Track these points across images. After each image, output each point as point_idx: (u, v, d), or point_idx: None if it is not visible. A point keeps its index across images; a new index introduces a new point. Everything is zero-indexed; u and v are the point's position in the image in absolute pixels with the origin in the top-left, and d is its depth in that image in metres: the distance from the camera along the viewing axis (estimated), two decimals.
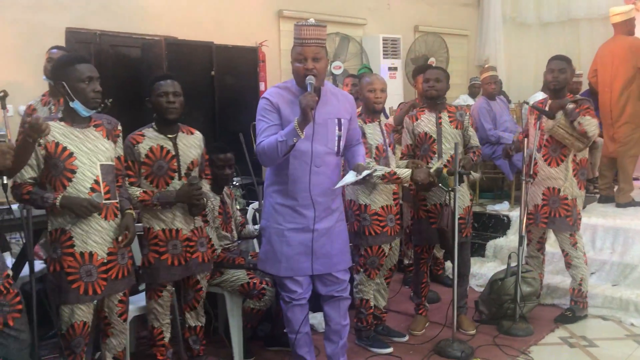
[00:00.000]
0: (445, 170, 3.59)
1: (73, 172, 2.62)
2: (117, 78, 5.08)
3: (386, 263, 3.82)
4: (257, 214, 4.27)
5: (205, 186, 3.31)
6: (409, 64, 7.63)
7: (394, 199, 3.73)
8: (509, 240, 5.38)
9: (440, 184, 3.62)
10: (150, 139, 3.07)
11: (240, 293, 3.54)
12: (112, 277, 2.75)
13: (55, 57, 3.92)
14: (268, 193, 3.09)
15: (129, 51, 5.39)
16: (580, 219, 4.13)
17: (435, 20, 8.44)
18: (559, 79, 4.00)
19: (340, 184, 3.01)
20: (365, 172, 2.95)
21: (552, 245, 4.67)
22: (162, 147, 3.07)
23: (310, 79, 2.80)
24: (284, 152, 2.79)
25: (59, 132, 2.63)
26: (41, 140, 2.58)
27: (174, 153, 3.09)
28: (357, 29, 7.52)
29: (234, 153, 3.79)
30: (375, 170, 3.12)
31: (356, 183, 3.12)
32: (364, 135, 3.53)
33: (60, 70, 2.66)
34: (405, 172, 3.49)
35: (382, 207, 3.63)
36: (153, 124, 3.14)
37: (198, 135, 3.26)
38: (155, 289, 3.15)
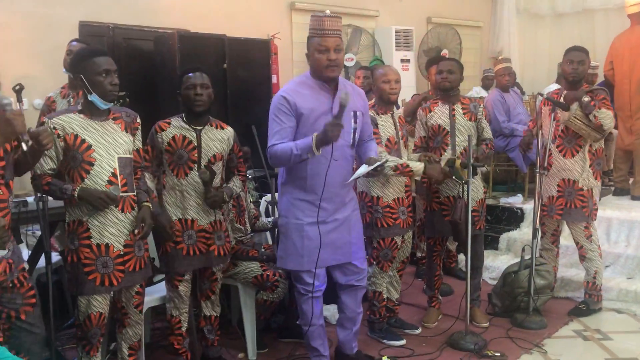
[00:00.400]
0: (458, 162, 3.57)
1: (91, 164, 2.64)
2: (130, 71, 5.09)
3: (399, 255, 3.82)
4: (270, 207, 4.28)
5: (235, 182, 3.32)
6: (421, 55, 7.58)
7: (406, 192, 3.72)
8: (523, 233, 5.35)
9: (453, 177, 3.61)
10: (175, 127, 3.11)
11: (253, 285, 3.55)
12: (129, 269, 2.77)
13: (75, 50, 3.94)
14: (285, 189, 3.09)
15: (141, 44, 5.40)
16: (596, 210, 4.10)
17: (448, 12, 8.37)
18: (578, 71, 3.96)
19: (353, 177, 3.02)
20: (376, 164, 2.96)
21: (566, 238, 4.64)
22: (184, 137, 3.10)
23: (344, 100, 2.73)
24: (296, 163, 2.86)
25: (78, 125, 2.65)
26: (60, 132, 2.61)
27: (195, 144, 3.11)
28: (370, 20, 7.48)
29: (247, 145, 3.81)
30: (387, 161, 3.12)
31: (368, 175, 3.14)
32: (376, 126, 3.53)
33: (79, 64, 2.68)
34: (418, 166, 3.48)
35: (394, 200, 3.62)
36: (183, 114, 3.17)
37: (228, 131, 3.27)
38: (174, 278, 3.17)
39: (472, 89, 7.54)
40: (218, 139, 3.20)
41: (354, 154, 3.15)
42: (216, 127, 3.22)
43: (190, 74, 3.10)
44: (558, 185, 4.10)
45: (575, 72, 3.97)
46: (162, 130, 3.10)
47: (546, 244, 4.32)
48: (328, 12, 2.89)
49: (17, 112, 2.25)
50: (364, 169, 2.98)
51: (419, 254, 4.98)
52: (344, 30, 6.75)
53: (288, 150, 2.82)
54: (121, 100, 2.89)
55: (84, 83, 2.65)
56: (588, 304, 4.17)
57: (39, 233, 3.96)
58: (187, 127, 3.13)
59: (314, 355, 3.22)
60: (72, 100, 3.98)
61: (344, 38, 6.77)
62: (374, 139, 3.30)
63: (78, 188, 2.61)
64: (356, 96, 3.08)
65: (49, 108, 3.94)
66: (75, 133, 2.63)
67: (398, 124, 3.69)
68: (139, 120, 2.89)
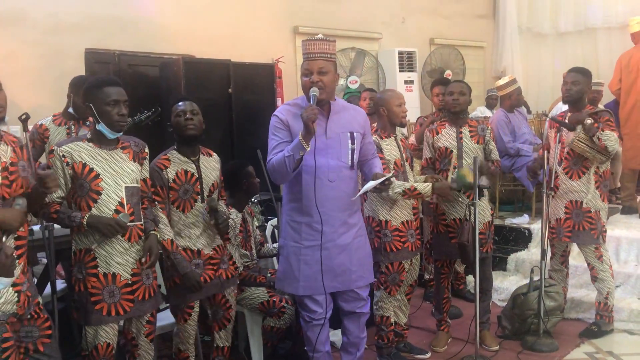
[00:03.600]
0: (466, 169, 3.56)
1: (98, 193, 2.65)
2: (136, 97, 5.09)
3: (407, 279, 3.78)
4: (276, 231, 4.27)
5: (222, 206, 3.31)
6: (425, 76, 7.62)
7: (414, 214, 3.70)
8: (531, 253, 5.31)
9: (461, 187, 3.59)
10: (175, 163, 3.10)
11: (260, 311, 3.52)
12: (139, 299, 2.75)
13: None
14: (285, 211, 3.09)
15: (147, 70, 5.46)
16: (605, 231, 4.06)
17: (450, 33, 8.43)
18: (571, 92, 3.97)
19: (360, 192, 2.98)
20: (382, 178, 2.93)
21: (575, 259, 4.60)
22: (186, 171, 3.10)
23: (314, 91, 2.82)
24: (293, 168, 2.81)
25: (86, 153, 2.66)
26: (69, 160, 2.62)
27: (197, 176, 3.11)
28: (373, 43, 7.54)
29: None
30: (393, 175, 3.07)
31: (376, 190, 3.06)
32: (380, 150, 3.51)
33: (89, 93, 2.70)
34: (426, 187, 3.46)
35: (403, 223, 3.60)
36: (174, 146, 3.16)
37: (215, 157, 3.29)
38: (183, 310, 3.14)
39: (477, 109, 7.55)
40: (212, 167, 3.21)
41: (355, 176, 3.11)
42: (206, 155, 3.23)
43: (179, 103, 3.12)
44: (566, 207, 4.08)
45: (567, 93, 3.98)
46: (166, 167, 3.07)
47: (555, 264, 4.28)
48: (320, 36, 2.91)
49: (19, 211, 2.23)
50: (370, 184, 2.95)
51: (427, 276, 4.93)
52: (347, 53, 6.80)
53: (281, 157, 2.81)
54: (149, 113, 2.88)
55: (93, 112, 2.66)
56: (599, 325, 4.12)
57: (44, 261, 3.96)
58: (185, 159, 3.12)
59: None
60: (72, 127, 3.97)
61: (348, 61, 6.83)
62: (377, 156, 3.27)
63: (87, 215, 2.61)
64: (355, 116, 3.07)
65: (41, 136, 3.91)
66: (83, 161, 2.64)
67: (401, 146, 3.68)
68: (147, 150, 2.89)
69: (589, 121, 3.83)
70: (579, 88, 3.96)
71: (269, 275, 3.63)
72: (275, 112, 3.00)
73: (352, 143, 3.00)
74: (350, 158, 3.00)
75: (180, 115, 3.08)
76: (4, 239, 2.20)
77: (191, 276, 3.02)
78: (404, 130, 4.33)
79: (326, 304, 3.03)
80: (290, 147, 2.80)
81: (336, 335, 3.95)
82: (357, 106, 3.37)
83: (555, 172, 4.07)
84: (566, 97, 4.00)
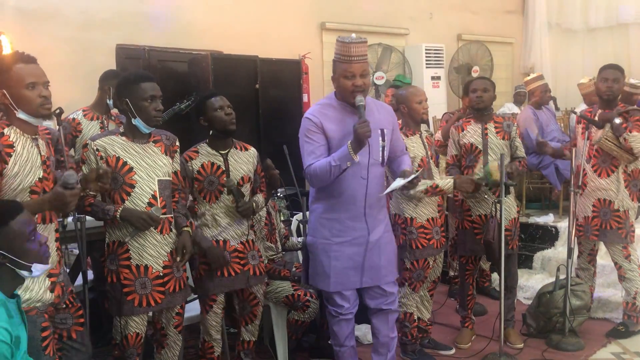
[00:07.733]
0: (494, 164, 3.54)
1: (132, 186, 2.70)
2: (164, 92, 5.08)
3: (430, 275, 3.78)
4: (302, 225, 4.30)
5: (259, 198, 3.32)
6: (452, 72, 7.58)
7: (439, 211, 3.70)
8: (558, 251, 5.25)
9: (486, 183, 3.58)
10: (202, 155, 3.15)
11: (284, 304, 3.57)
12: (169, 291, 2.80)
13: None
14: (313, 208, 3.11)
15: (176, 66, 5.54)
16: (633, 231, 4.01)
17: (478, 28, 8.36)
18: (613, 89, 3.91)
19: (388, 189, 2.99)
20: (412, 176, 2.94)
21: (602, 258, 4.54)
22: (212, 163, 3.13)
23: (361, 101, 2.82)
24: (337, 175, 2.83)
25: (119, 147, 2.72)
26: (103, 154, 2.68)
27: (224, 168, 3.15)
28: (400, 38, 7.52)
29: (279, 164, 3.84)
30: (420, 174, 3.07)
31: (404, 188, 3.05)
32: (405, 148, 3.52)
33: (125, 88, 2.74)
34: (447, 183, 3.48)
35: (428, 220, 3.60)
36: (207, 140, 3.20)
37: (252, 152, 3.30)
38: (206, 302, 3.19)
39: (504, 105, 7.48)
40: (244, 160, 3.22)
41: (384, 172, 3.13)
42: (240, 149, 3.25)
43: (214, 98, 3.14)
44: (593, 206, 4.03)
45: (610, 91, 3.92)
46: (192, 159, 3.12)
47: (583, 263, 4.24)
48: (354, 36, 2.89)
49: (75, 194, 2.27)
50: (399, 182, 2.95)
51: (451, 273, 4.92)
52: (374, 49, 6.80)
53: (326, 165, 2.81)
54: (188, 102, 2.91)
55: (129, 107, 2.71)
56: (627, 325, 4.07)
57: (75, 252, 4.07)
58: (214, 152, 3.16)
59: None
60: (105, 121, 4.05)
61: (374, 57, 6.83)
62: (407, 153, 3.27)
63: (120, 209, 2.66)
64: (383, 113, 3.08)
65: (73, 129, 4.00)
66: (117, 155, 2.69)
67: (426, 143, 3.68)
68: (177, 143, 2.94)
69: (617, 120, 3.78)
70: (619, 86, 3.93)
71: (293, 269, 3.67)
72: (307, 115, 2.98)
73: (383, 140, 3.01)
74: (381, 155, 3.02)
75: (220, 109, 3.10)
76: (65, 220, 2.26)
77: (215, 251, 3.05)
78: (430, 127, 4.33)
79: (353, 299, 3.07)
80: (337, 156, 2.80)
81: (360, 330, 3.98)
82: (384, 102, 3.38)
83: (584, 169, 4.03)
84: (607, 95, 3.93)
